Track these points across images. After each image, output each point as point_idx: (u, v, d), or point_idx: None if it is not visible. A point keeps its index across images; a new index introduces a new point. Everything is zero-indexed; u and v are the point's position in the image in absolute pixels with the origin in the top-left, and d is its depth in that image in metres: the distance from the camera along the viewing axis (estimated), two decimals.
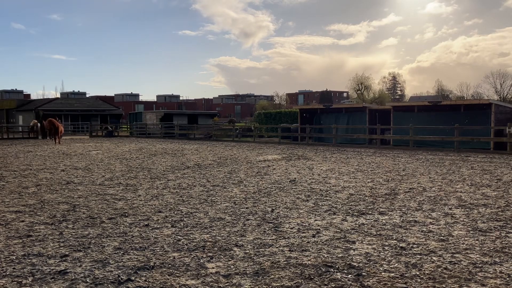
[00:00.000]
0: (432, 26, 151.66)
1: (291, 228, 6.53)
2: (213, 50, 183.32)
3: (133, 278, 4.59)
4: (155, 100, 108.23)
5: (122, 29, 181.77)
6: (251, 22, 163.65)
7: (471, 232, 6.28)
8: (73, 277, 4.63)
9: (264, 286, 4.36)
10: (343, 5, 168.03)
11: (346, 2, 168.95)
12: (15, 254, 5.41)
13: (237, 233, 6.27)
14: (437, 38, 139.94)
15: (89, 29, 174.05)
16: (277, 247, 5.59)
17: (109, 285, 4.42)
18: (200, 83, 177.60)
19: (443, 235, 6.12)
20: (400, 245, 5.65)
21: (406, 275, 4.62)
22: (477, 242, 5.78)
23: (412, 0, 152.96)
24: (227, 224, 6.83)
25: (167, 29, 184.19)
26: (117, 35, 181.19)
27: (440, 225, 6.68)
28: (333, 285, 4.37)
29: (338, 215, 7.40)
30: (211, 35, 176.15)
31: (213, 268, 4.87)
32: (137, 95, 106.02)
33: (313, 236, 6.12)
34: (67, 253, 5.43)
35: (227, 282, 4.46)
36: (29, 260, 5.17)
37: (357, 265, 4.92)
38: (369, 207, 7.96)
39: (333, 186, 10.42)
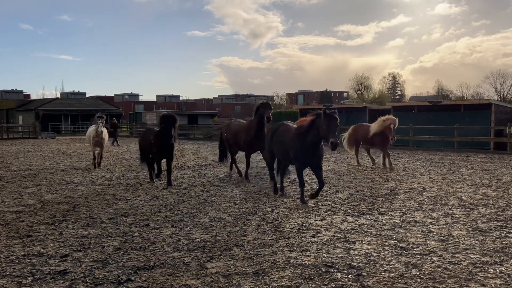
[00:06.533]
0: (440, 27, 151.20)
1: (291, 228, 6.54)
2: (218, 51, 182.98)
3: (133, 278, 4.59)
4: (155, 100, 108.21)
5: (133, 30, 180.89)
6: (261, 23, 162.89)
7: (471, 232, 6.28)
8: (73, 277, 4.63)
9: (264, 286, 4.36)
10: (354, 6, 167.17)
11: (357, 3, 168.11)
12: (15, 254, 5.41)
13: (237, 233, 6.27)
14: (444, 39, 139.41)
15: (99, 30, 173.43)
16: (277, 247, 5.59)
17: (109, 285, 4.42)
18: (202, 83, 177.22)
19: (443, 235, 6.11)
20: (400, 245, 5.65)
21: (406, 275, 4.62)
22: (477, 242, 5.78)
23: (422, 1, 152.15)
24: (227, 224, 6.83)
25: (177, 30, 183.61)
26: (127, 36, 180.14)
27: (440, 225, 6.68)
28: (333, 285, 4.37)
29: (338, 215, 7.40)
30: (220, 36, 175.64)
31: (213, 268, 4.87)
32: (137, 95, 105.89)
33: (313, 236, 6.12)
34: (67, 253, 5.43)
35: (227, 282, 4.46)
36: (29, 260, 5.17)
37: (357, 265, 4.91)
38: (369, 207, 7.96)
39: (333, 186, 10.41)
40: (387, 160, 13.67)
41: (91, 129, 14.78)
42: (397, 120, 13.53)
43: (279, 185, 9.30)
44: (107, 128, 15.40)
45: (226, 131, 12.25)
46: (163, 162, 11.31)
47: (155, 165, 11.49)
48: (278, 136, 8.84)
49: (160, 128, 10.43)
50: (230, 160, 12.64)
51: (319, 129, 7.63)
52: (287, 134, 8.56)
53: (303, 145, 8.00)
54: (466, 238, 5.95)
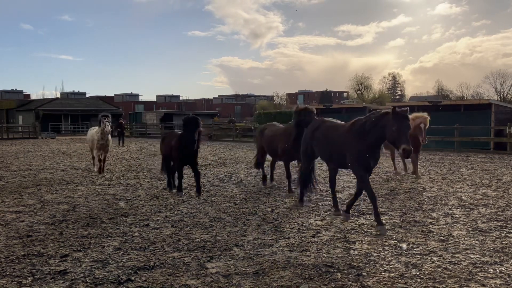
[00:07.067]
0: (440, 27, 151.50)
1: (291, 228, 6.54)
2: (218, 51, 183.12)
3: (133, 278, 4.59)
4: (155, 100, 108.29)
5: (133, 30, 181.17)
6: (261, 23, 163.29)
7: (471, 232, 6.28)
8: (73, 277, 4.63)
9: (264, 286, 4.36)
10: (355, 6, 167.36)
11: (358, 3, 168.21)
12: (15, 254, 5.41)
13: (237, 233, 6.27)
14: (444, 39, 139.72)
15: (99, 30, 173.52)
16: (277, 247, 5.59)
17: (109, 285, 4.42)
18: (202, 83, 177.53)
19: (443, 235, 6.11)
20: (400, 245, 5.65)
21: (406, 275, 4.62)
22: (477, 242, 5.78)
23: (423, 1, 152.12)
24: (227, 224, 6.83)
25: (177, 29, 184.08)
26: (127, 36, 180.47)
27: (440, 225, 6.68)
28: (333, 285, 4.37)
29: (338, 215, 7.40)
30: (220, 36, 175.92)
31: (213, 268, 4.87)
32: (137, 95, 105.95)
33: (313, 236, 6.12)
34: (67, 253, 5.43)
35: (227, 282, 4.46)
36: (29, 260, 5.17)
37: (357, 265, 4.92)
38: (369, 207, 7.95)
39: None
40: (411, 166, 11.92)
41: (93, 131, 13.40)
42: (428, 119, 11.36)
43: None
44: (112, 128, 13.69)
45: (260, 136, 10.72)
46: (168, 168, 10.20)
47: (175, 172, 9.91)
48: (322, 135, 7.35)
49: (182, 132, 9.25)
50: (270, 170, 11.11)
51: (383, 130, 6.25)
52: (337, 133, 7.08)
53: (363, 147, 6.53)
54: (466, 238, 5.95)
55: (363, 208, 7.88)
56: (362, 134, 6.53)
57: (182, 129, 9.17)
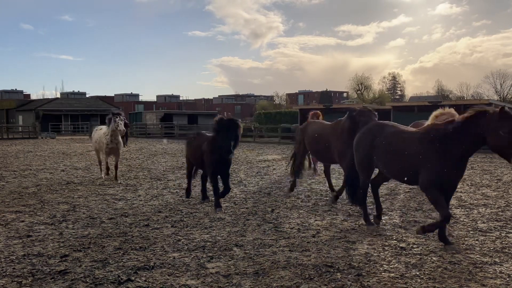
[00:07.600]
0: (441, 27, 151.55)
1: (291, 228, 6.53)
2: (218, 51, 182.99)
3: (133, 278, 4.59)
4: (155, 100, 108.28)
5: (134, 30, 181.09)
6: (262, 23, 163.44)
7: (471, 232, 6.28)
8: (73, 277, 4.63)
9: (264, 286, 4.36)
10: (355, 6, 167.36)
11: (358, 3, 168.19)
12: (15, 254, 5.41)
13: (237, 233, 6.27)
14: (445, 39, 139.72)
15: (100, 30, 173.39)
16: (277, 247, 5.59)
17: (109, 285, 4.42)
18: (202, 83, 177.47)
19: None
20: (400, 245, 5.65)
21: (406, 275, 4.62)
22: (477, 242, 5.78)
23: (423, 1, 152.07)
24: (227, 224, 6.82)
25: (178, 30, 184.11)
26: (127, 36, 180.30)
27: None
28: (333, 285, 4.37)
29: (338, 215, 7.40)
30: (220, 36, 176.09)
31: (213, 268, 4.87)
32: (137, 95, 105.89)
33: (313, 236, 6.12)
34: (67, 253, 5.43)
35: (227, 282, 4.46)
36: (29, 260, 5.17)
37: (357, 265, 4.91)
38: (369, 207, 7.94)
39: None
40: None
41: (101, 132, 11.74)
42: (457, 115, 8.59)
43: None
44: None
45: (302, 135, 9.05)
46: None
47: (201, 179, 8.81)
48: (386, 141, 5.99)
49: (216, 136, 7.59)
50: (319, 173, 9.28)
51: (481, 136, 5.02)
52: (407, 139, 5.77)
53: (444, 159, 5.29)
54: (466, 238, 5.95)
55: None
56: (445, 142, 5.30)
57: (216, 132, 7.58)
